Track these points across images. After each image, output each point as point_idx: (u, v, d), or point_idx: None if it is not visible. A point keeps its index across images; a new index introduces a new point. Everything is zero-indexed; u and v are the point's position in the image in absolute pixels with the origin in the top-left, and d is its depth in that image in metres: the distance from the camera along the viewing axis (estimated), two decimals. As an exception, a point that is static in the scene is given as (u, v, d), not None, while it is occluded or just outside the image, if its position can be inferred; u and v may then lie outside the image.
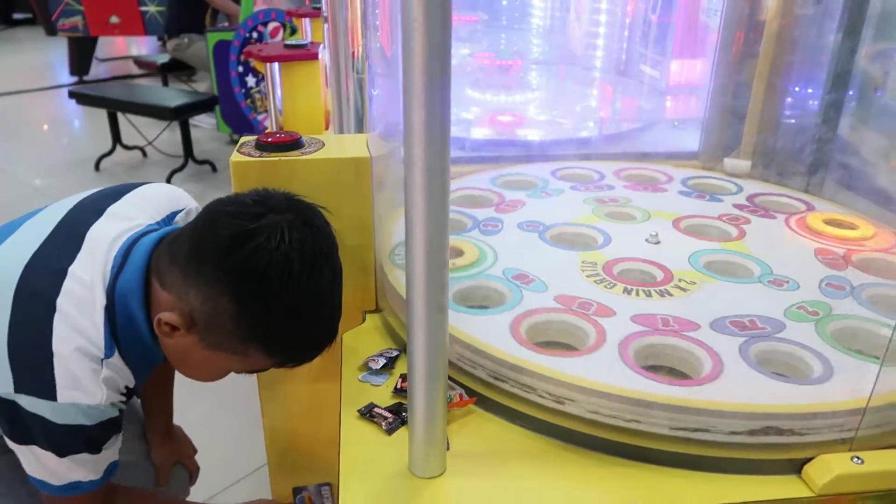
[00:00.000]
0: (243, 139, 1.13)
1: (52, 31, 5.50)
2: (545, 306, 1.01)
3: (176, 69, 5.64)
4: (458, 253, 1.14)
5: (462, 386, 0.92)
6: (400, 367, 0.99)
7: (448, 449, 0.81)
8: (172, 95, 4.15)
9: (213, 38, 4.06)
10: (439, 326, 0.71)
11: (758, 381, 0.86)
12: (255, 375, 1.18)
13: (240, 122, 4.15)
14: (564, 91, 2.30)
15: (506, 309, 1.00)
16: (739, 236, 1.24)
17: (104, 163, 4.15)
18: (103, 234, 0.91)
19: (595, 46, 2.24)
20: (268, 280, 0.80)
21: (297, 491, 1.29)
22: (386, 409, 0.90)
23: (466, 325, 0.94)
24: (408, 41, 0.60)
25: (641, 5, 2.12)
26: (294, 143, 1.09)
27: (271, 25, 3.93)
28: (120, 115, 4.15)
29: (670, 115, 2.04)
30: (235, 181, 1.06)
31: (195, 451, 1.36)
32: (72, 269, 0.86)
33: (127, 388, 0.90)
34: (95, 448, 0.88)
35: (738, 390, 0.83)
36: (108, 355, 0.85)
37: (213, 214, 0.86)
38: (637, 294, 1.05)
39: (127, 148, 4.25)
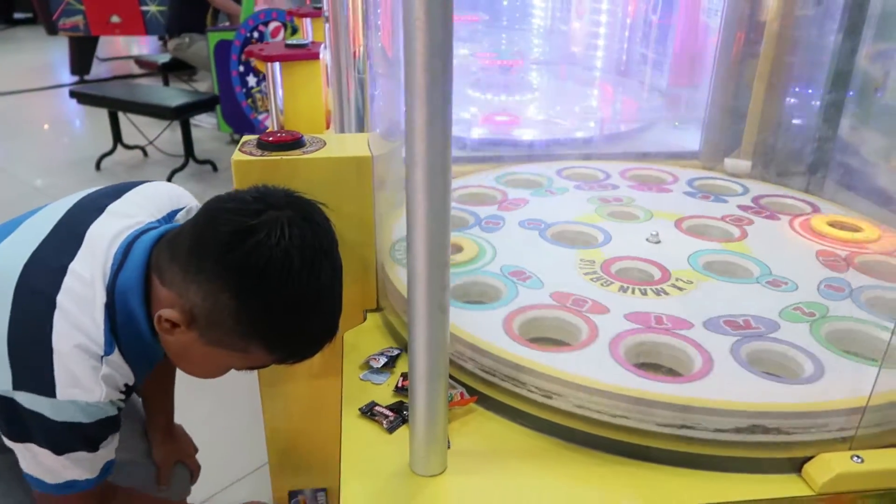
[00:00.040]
0: (245, 138, 1.13)
1: (52, 30, 5.50)
2: (539, 303, 1.01)
3: (177, 69, 5.65)
4: (458, 249, 1.14)
5: (457, 381, 0.93)
6: (401, 366, 0.99)
7: (449, 447, 0.81)
8: (173, 95, 4.15)
9: (214, 37, 4.06)
10: (440, 325, 0.71)
11: (747, 379, 0.86)
12: (256, 375, 1.19)
13: (241, 121, 4.16)
14: (565, 91, 2.30)
15: (500, 305, 1.01)
16: (741, 237, 1.24)
17: (105, 162, 4.15)
18: (103, 231, 0.91)
19: (596, 47, 2.24)
20: (268, 276, 0.80)
21: (292, 495, 1.29)
22: (387, 407, 0.90)
23: (459, 320, 0.95)
24: (409, 40, 0.60)
25: (642, 6, 2.13)
26: (295, 143, 1.09)
27: (272, 25, 3.93)
28: (121, 115, 4.15)
29: (671, 115, 2.04)
30: (237, 180, 1.06)
31: (196, 449, 1.36)
32: (72, 267, 0.86)
33: (126, 385, 0.90)
34: (93, 446, 0.88)
35: (726, 388, 0.83)
36: (107, 352, 0.85)
37: (212, 211, 0.86)
38: (633, 292, 1.05)
39: (128, 147, 4.25)
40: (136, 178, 1.06)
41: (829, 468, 0.78)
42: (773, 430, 0.80)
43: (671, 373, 0.91)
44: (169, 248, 0.88)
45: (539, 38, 2.54)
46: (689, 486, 0.79)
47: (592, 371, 0.85)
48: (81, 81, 5.99)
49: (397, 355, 1.01)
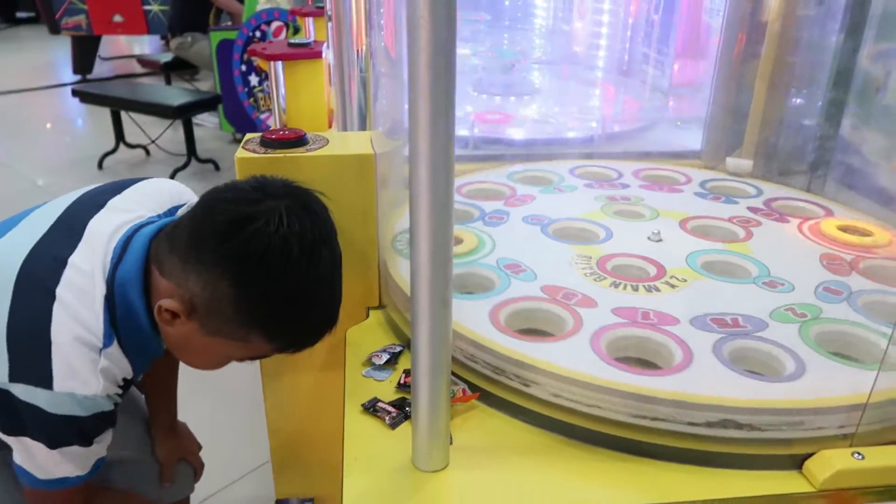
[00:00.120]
0: (248, 136, 1.13)
1: (55, 29, 5.51)
2: (528, 295, 1.02)
3: (179, 68, 5.65)
4: (457, 241, 1.15)
5: (457, 377, 0.93)
6: (403, 363, 1.00)
7: (451, 443, 0.82)
8: (175, 94, 4.16)
9: (216, 37, 4.07)
10: (443, 321, 0.72)
11: (724, 375, 0.86)
12: (259, 372, 1.19)
13: (243, 120, 4.16)
14: (567, 91, 2.31)
15: (489, 295, 1.02)
16: (745, 238, 1.24)
17: (107, 161, 4.16)
18: (103, 226, 0.91)
19: (598, 46, 2.24)
20: (267, 264, 0.81)
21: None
22: (389, 403, 0.90)
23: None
24: (413, 38, 0.61)
25: (644, 5, 2.13)
26: (298, 140, 1.09)
27: (274, 24, 3.94)
28: (123, 114, 4.15)
29: (672, 114, 2.04)
30: (240, 177, 1.07)
31: (200, 447, 1.36)
32: (72, 260, 0.86)
33: (125, 380, 0.90)
34: (87, 441, 0.87)
35: (702, 383, 0.84)
36: (106, 345, 0.85)
37: (210, 201, 0.86)
38: (624, 288, 1.06)
39: (130, 146, 4.26)
40: (138, 176, 1.06)
41: (829, 465, 0.78)
42: (746, 426, 0.80)
43: (653, 367, 0.91)
44: (168, 239, 0.88)
45: (541, 37, 2.54)
46: (690, 482, 0.79)
47: (569, 361, 0.87)
48: (84, 80, 6.00)
49: (399, 352, 1.01)
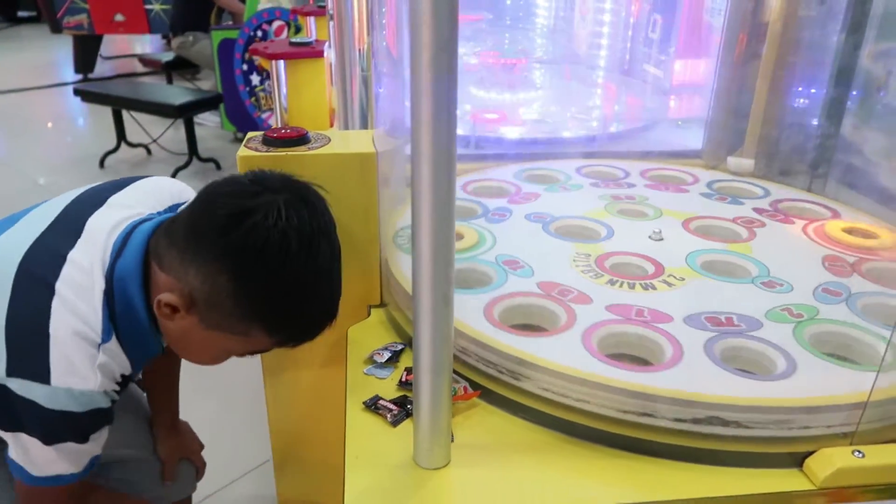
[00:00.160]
0: (250, 134, 1.14)
1: (57, 28, 5.51)
2: (524, 291, 1.03)
3: (180, 67, 5.65)
4: (458, 237, 1.16)
5: (459, 375, 0.93)
6: (405, 361, 1.00)
7: (452, 441, 0.82)
8: (177, 93, 4.16)
9: (217, 36, 4.07)
10: (445, 319, 0.72)
11: (713, 373, 0.87)
12: (260, 372, 1.20)
13: (244, 120, 4.16)
14: (568, 90, 2.31)
15: (486, 291, 1.03)
16: (748, 239, 1.23)
17: (109, 160, 4.16)
18: (103, 222, 0.91)
19: (599, 46, 2.24)
20: (266, 257, 0.81)
21: None
22: (391, 401, 0.91)
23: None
24: (416, 35, 0.61)
25: (646, 5, 2.13)
26: (300, 139, 1.10)
27: (276, 24, 3.94)
28: (124, 113, 4.16)
29: (674, 114, 2.04)
30: (242, 175, 1.07)
31: (202, 446, 1.36)
32: (71, 255, 0.87)
33: (123, 376, 0.89)
34: (83, 437, 0.87)
35: (690, 380, 0.84)
36: (105, 340, 0.85)
37: (209, 195, 0.86)
38: (621, 286, 1.06)
39: (131, 145, 4.26)
40: (139, 175, 1.06)
41: (830, 463, 0.79)
42: (733, 423, 0.81)
43: (645, 364, 0.92)
44: (167, 233, 0.88)
45: (542, 37, 2.55)
46: (690, 479, 0.80)
47: (559, 356, 0.88)
48: (85, 79, 6.00)
49: (401, 350, 1.01)
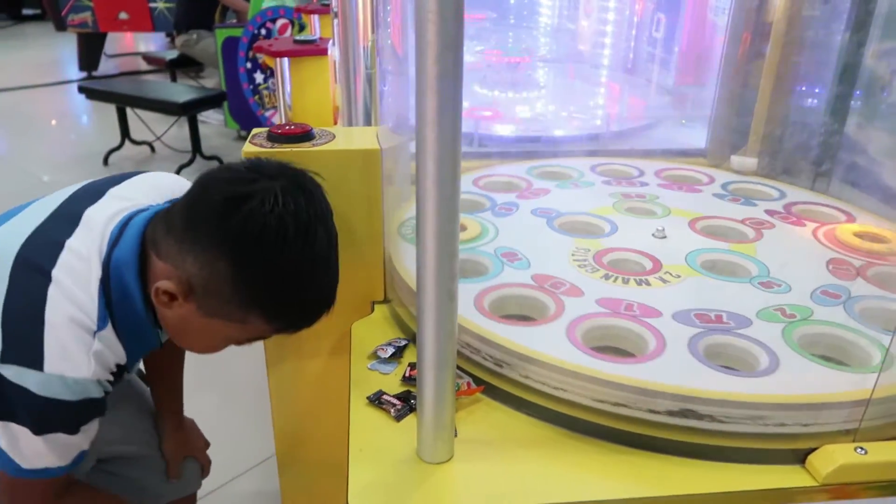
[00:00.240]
0: (255, 130, 1.14)
1: (61, 26, 5.53)
2: (516, 281, 1.04)
3: (184, 65, 5.67)
4: (461, 229, 1.16)
5: (463, 371, 0.94)
6: (408, 357, 1.00)
7: (455, 436, 0.82)
8: (181, 91, 4.17)
9: (221, 34, 4.08)
10: (449, 314, 0.72)
11: (691, 367, 0.87)
12: (263, 367, 1.20)
13: (248, 118, 4.18)
14: (572, 89, 2.31)
15: (480, 280, 1.04)
16: (754, 240, 1.22)
17: (112, 158, 4.17)
18: (101, 212, 0.92)
19: (603, 45, 2.24)
20: (263, 243, 0.81)
21: None
22: (394, 396, 0.91)
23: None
24: (422, 33, 0.61)
25: (650, 4, 2.13)
26: (305, 135, 1.10)
27: (280, 22, 3.95)
28: (128, 111, 4.17)
29: (677, 113, 2.04)
30: (247, 172, 1.07)
31: (208, 444, 1.36)
32: (69, 243, 0.87)
33: (118, 366, 0.89)
34: (73, 428, 0.86)
35: (667, 372, 0.84)
36: (100, 327, 0.85)
37: (206, 182, 0.86)
38: (615, 280, 1.06)
39: (135, 143, 4.28)
40: (140, 170, 1.06)
41: (832, 459, 0.79)
42: (707, 416, 0.81)
43: (626, 356, 0.92)
44: (164, 221, 0.88)
45: (546, 36, 2.55)
46: (692, 475, 0.80)
47: (541, 345, 0.89)
48: (89, 77, 6.02)
49: (404, 346, 1.02)
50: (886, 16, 1.39)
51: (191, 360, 1.30)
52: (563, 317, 0.96)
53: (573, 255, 1.14)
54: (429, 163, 0.66)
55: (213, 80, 5.57)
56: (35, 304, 0.82)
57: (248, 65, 4.01)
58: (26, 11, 9.13)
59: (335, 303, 0.92)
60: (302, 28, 3.69)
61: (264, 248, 0.81)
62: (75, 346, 0.83)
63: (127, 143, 4.23)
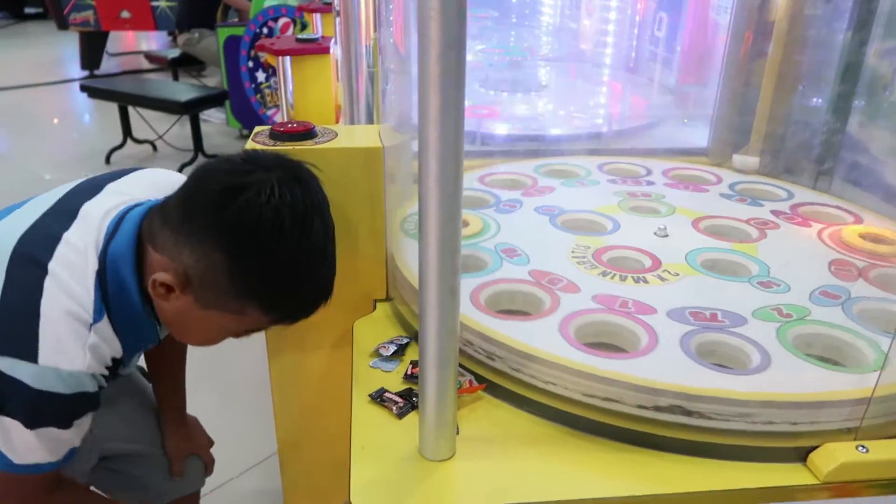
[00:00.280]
0: (258, 129, 1.14)
1: (63, 25, 5.54)
2: (513, 277, 1.05)
3: (186, 64, 5.68)
4: (463, 224, 1.16)
5: (465, 369, 0.94)
6: (410, 354, 1.00)
7: (457, 433, 0.82)
8: (183, 90, 4.18)
9: (223, 33, 4.08)
10: (451, 312, 0.72)
11: (682, 363, 0.87)
12: (266, 365, 1.20)
13: (249, 116, 4.18)
14: (574, 88, 2.31)
15: (478, 275, 1.05)
16: (758, 239, 1.22)
17: (115, 156, 4.18)
18: (98, 207, 0.92)
19: (605, 44, 2.24)
20: (259, 234, 0.81)
21: None
22: (396, 393, 0.91)
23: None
24: (424, 31, 0.62)
25: (652, 3, 2.13)
26: (308, 133, 1.10)
27: (282, 21, 3.95)
28: (130, 109, 4.18)
29: (679, 112, 2.04)
30: (250, 170, 1.07)
31: (211, 442, 1.35)
32: (66, 236, 0.87)
33: (114, 360, 0.89)
34: (66, 422, 0.86)
35: (656, 368, 0.85)
36: (96, 320, 0.85)
37: (203, 174, 0.87)
38: (612, 278, 1.07)
39: (137, 142, 4.28)
40: (139, 167, 1.07)
41: (833, 457, 0.79)
42: (695, 413, 0.81)
43: (621, 352, 0.93)
44: (160, 213, 0.88)
45: (548, 35, 2.55)
46: (693, 473, 0.80)
47: (534, 339, 0.89)
48: (91, 76, 6.03)
49: (406, 344, 1.02)
50: (888, 15, 1.39)
51: (192, 358, 1.30)
52: (557, 312, 0.97)
53: (573, 252, 1.14)
54: (431, 161, 0.66)
55: (214, 79, 5.57)
56: (31, 297, 0.82)
57: (250, 63, 4.01)
58: (28, 10, 9.15)
59: (336, 298, 0.92)
60: (304, 27, 3.70)
61: (261, 239, 0.81)
62: (70, 338, 0.83)
63: (129, 141, 4.24)
